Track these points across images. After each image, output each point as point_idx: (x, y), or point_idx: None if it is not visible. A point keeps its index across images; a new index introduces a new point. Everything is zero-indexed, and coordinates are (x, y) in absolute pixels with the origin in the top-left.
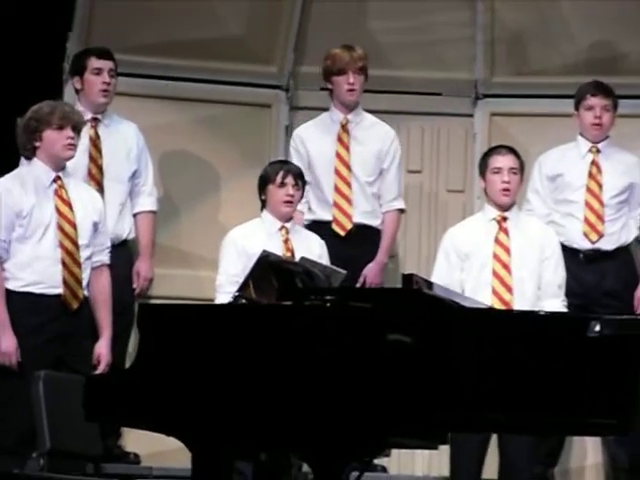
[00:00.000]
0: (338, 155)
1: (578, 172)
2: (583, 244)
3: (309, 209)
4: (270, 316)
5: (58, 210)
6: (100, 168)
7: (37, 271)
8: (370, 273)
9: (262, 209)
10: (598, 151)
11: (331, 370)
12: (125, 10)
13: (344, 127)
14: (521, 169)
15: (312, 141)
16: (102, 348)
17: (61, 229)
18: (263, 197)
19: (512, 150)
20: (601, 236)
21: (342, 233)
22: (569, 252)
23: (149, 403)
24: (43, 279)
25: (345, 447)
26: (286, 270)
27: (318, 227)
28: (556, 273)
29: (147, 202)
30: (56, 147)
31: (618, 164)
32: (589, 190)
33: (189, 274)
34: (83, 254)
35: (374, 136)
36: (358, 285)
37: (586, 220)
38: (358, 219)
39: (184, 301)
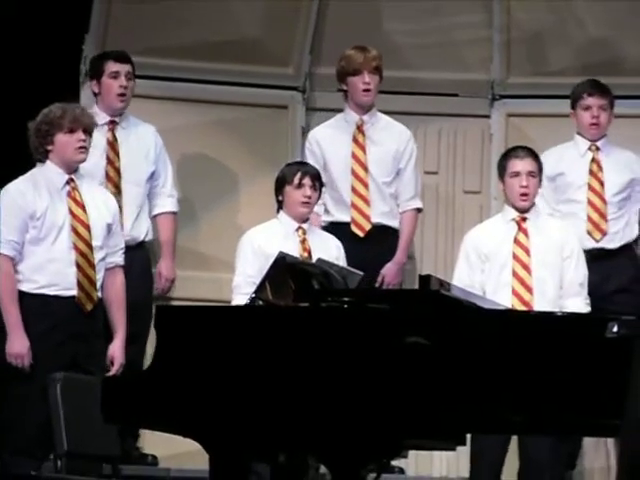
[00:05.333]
0: (354, 156)
1: (579, 171)
2: (587, 244)
3: (326, 211)
4: (287, 318)
5: (71, 212)
6: (118, 170)
7: (51, 273)
8: (389, 273)
9: (278, 210)
10: (598, 149)
11: (348, 371)
12: (141, 12)
13: (359, 128)
14: (539, 171)
15: (327, 142)
16: (116, 349)
17: (75, 231)
18: (280, 198)
19: (530, 152)
20: (605, 234)
21: (361, 234)
22: None
23: (167, 405)
24: (57, 281)
25: (362, 448)
26: (303, 272)
27: (336, 228)
28: (577, 271)
29: (167, 203)
30: (68, 150)
31: (618, 161)
32: (591, 188)
33: (207, 276)
34: (97, 256)
35: (390, 136)
36: (377, 285)
37: (589, 219)
38: (376, 220)
39: (203, 303)
